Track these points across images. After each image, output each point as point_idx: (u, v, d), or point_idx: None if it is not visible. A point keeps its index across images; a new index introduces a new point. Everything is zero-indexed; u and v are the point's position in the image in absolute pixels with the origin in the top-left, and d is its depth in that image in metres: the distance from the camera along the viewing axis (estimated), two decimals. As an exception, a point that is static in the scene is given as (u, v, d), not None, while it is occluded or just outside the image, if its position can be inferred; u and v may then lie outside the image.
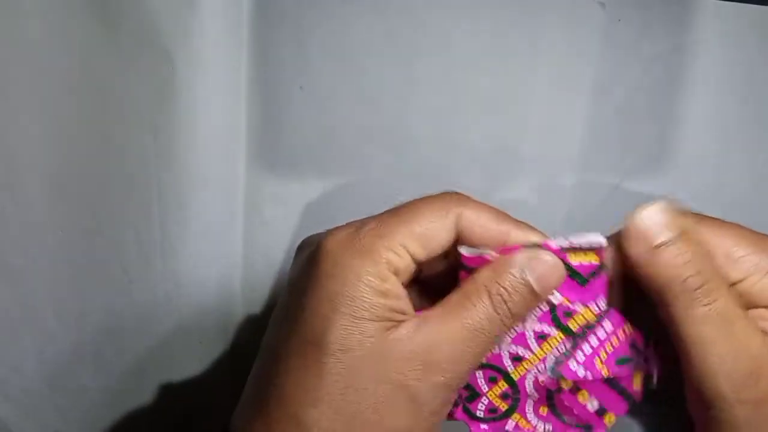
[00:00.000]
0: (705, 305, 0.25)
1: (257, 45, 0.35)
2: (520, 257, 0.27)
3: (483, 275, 0.27)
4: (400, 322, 0.26)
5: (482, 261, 0.27)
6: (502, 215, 0.28)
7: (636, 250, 0.26)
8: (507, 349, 0.28)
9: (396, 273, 0.27)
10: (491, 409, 0.29)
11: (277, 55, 0.36)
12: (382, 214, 0.28)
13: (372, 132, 0.38)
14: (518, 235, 0.28)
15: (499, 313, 0.26)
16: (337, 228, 0.28)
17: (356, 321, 0.26)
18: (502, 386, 0.29)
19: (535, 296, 0.27)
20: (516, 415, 0.29)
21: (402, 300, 0.27)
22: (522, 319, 0.28)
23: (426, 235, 0.27)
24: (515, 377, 0.29)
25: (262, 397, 0.27)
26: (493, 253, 0.27)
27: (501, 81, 0.38)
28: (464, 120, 0.38)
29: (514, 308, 0.27)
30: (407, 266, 0.27)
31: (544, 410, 0.29)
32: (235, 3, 0.35)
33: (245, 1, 0.35)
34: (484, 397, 0.29)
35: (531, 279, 0.26)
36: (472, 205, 0.28)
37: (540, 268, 0.27)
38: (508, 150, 0.39)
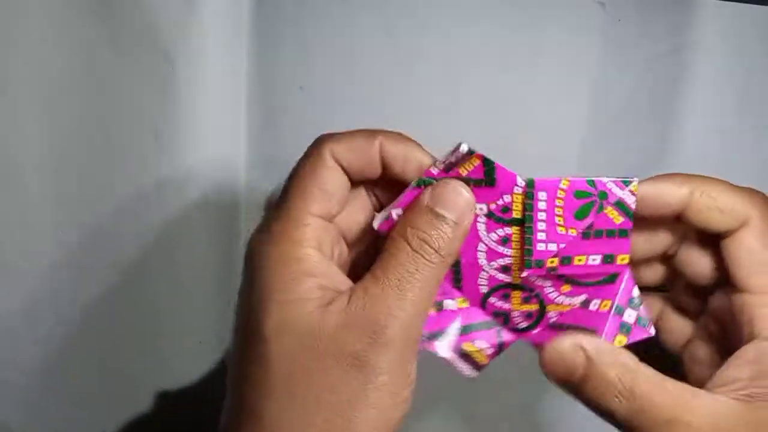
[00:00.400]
0: (647, 416, 0.25)
1: (257, 45, 0.35)
2: (421, 196, 0.27)
3: (396, 227, 0.27)
4: (333, 296, 0.26)
5: (392, 222, 0.27)
6: (370, 133, 0.29)
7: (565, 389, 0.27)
8: (490, 268, 0.29)
9: (320, 244, 0.26)
10: (528, 316, 0.30)
11: (277, 55, 0.36)
12: (281, 196, 0.28)
13: (372, 132, 0.38)
14: (394, 149, 0.28)
15: (424, 255, 0.26)
16: (257, 226, 0.28)
17: (288, 303, 0.25)
18: (516, 294, 0.29)
19: (452, 224, 0.26)
20: (550, 306, 0.30)
21: (332, 277, 0.26)
22: (455, 252, 0.27)
23: (323, 190, 0.27)
24: (518, 281, 0.29)
25: (230, 401, 0.27)
26: (399, 210, 0.27)
27: (501, 81, 0.38)
28: (464, 120, 0.38)
29: (436, 243, 0.26)
30: (325, 229, 0.27)
31: (566, 288, 0.30)
32: (235, 3, 0.35)
33: (245, 1, 0.35)
34: (512, 313, 0.30)
35: (439, 209, 0.26)
36: (338, 137, 0.28)
37: (441, 194, 0.27)
38: (508, 150, 0.39)
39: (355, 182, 0.28)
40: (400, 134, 0.29)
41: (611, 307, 0.29)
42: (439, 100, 0.37)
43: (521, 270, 0.28)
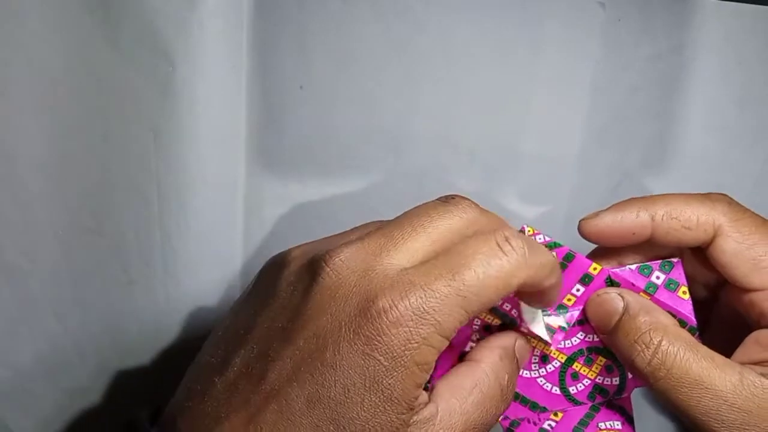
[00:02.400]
0: (662, 379, 0.25)
1: (257, 45, 0.35)
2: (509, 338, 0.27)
3: (485, 355, 0.27)
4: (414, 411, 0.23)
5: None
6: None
7: (604, 337, 0.28)
8: (537, 372, 0.29)
9: (427, 371, 0.23)
10: (609, 370, 0.30)
11: (277, 55, 0.36)
12: (428, 264, 0.24)
13: (372, 132, 0.38)
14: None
15: (503, 380, 0.26)
16: (349, 262, 0.24)
17: (386, 405, 0.22)
18: (581, 367, 0.30)
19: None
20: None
21: (417, 404, 0.24)
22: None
23: (480, 297, 0.23)
24: (563, 357, 0.29)
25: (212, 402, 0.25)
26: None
27: (501, 81, 0.38)
28: (464, 120, 0.38)
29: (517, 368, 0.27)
30: (441, 347, 0.23)
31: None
32: (235, 3, 0.35)
33: (245, 1, 0.35)
34: (597, 380, 0.30)
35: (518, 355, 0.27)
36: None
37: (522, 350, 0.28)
38: (508, 150, 0.39)
39: None
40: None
41: (647, 293, 0.28)
42: (438, 100, 0.37)
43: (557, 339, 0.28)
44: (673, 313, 0.28)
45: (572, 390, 0.29)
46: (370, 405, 0.22)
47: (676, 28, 0.38)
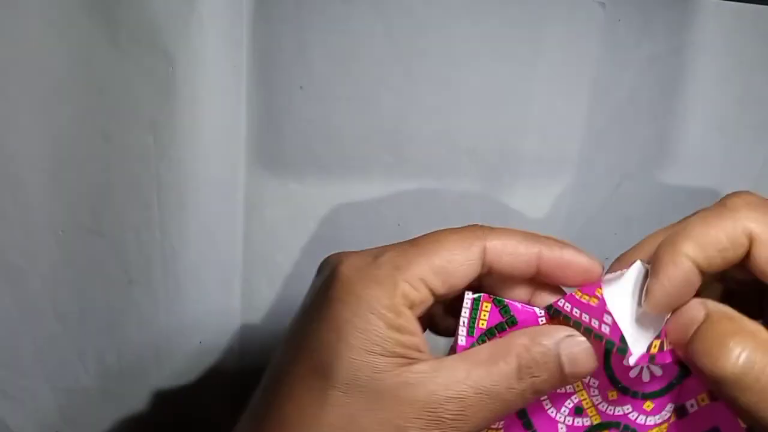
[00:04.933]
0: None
1: (257, 45, 0.35)
2: (559, 333, 0.25)
3: (517, 340, 0.25)
4: (414, 360, 0.25)
5: (527, 313, 0.26)
6: (529, 236, 0.27)
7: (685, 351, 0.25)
8: (563, 416, 0.27)
9: (411, 307, 0.25)
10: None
11: (277, 55, 0.36)
12: (402, 243, 0.27)
13: (372, 132, 0.38)
14: (549, 254, 0.26)
15: (521, 386, 0.25)
16: (354, 253, 0.27)
17: (366, 354, 0.24)
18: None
19: (562, 377, 0.25)
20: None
21: (416, 336, 0.25)
22: (541, 396, 0.26)
23: (447, 269, 0.26)
24: (599, 418, 0.27)
25: (264, 420, 0.27)
26: (540, 311, 0.26)
27: (501, 81, 0.38)
28: (464, 120, 0.38)
29: (538, 384, 0.25)
30: (424, 300, 0.26)
31: (649, 405, 0.27)
32: (235, 3, 0.35)
33: (245, 1, 0.35)
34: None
35: (564, 358, 0.25)
36: (496, 233, 0.27)
37: (575, 349, 0.25)
38: (507, 150, 0.39)
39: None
40: (559, 242, 0.27)
41: (710, 398, 0.26)
42: (438, 100, 0.37)
43: (599, 399, 0.27)
44: (718, 429, 0.26)
45: None
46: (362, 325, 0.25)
47: (676, 28, 0.38)
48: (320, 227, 0.39)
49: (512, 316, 0.27)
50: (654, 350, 0.25)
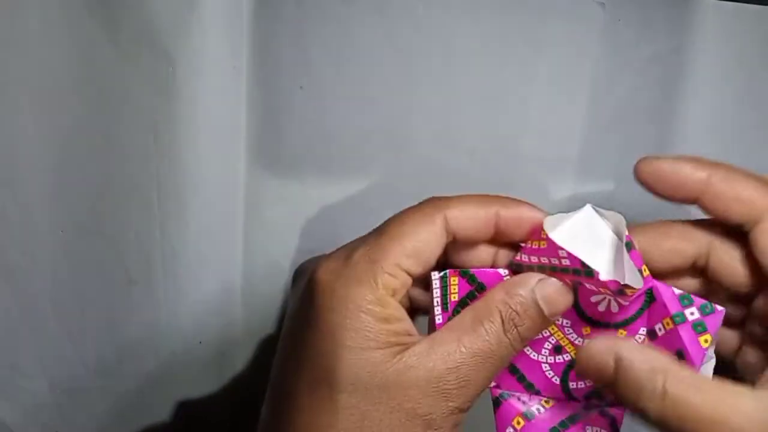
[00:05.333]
0: (684, 417, 0.24)
1: (257, 45, 0.35)
2: (531, 280, 0.27)
3: (496, 297, 0.27)
4: (407, 345, 0.26)
5: (493, 275, 0.28)
6: (485, 199, 0.28)
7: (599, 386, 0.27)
8: (545, 357, 0.29)
9: (394, 294, 0.26)
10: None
11: (277, 55, 0.36)
12: (369, 235, 0.28)
13: (372, 132, 0.38)
14: (506, 213, 0.28)
15: (509, 337, 0.26)
16: (327, 256, 0.28)
17: (363, 352, 0.25)
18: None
19: (543, 320, 0.27)
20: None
21: (404, 321, 0.27)
22: (527, 342, 0.28)
23: (418, 249, 0.27)
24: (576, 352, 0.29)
25: None
26: (505, 271, 0.28)
27: (501, 81, 0.38)
28: (464, 120, 0.38)
29: (523, 332, 0.27)
30: (404, 284, 0.27)
31: (622, 332, 0.29)
32: (235, 3, 0.35)
33: (245, 1, 0.35)
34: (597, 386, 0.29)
35: (541, 301, 0.26)
36: (453, 203, 0.27)
37: (549, 290, 0.27)
38: (508, 150, 0.39)
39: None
40: (515, 200, 0.28)
41: (673, 322, 0.27)
42: (438, 100, 0.37)
43: (574, 336, 0.28)
44: (682, 352, 0.27)
45: (572, 385, 0.29)
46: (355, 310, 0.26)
47: (676, 28, 0.38)
48: (320, 227, 0.39)
49: (480, 282, 0.28)
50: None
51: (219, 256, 0.39)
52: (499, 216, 0.28)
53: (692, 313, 0.27)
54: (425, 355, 0.26)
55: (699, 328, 0.27)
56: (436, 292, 0.28)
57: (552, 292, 0.27)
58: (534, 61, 0.37)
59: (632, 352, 0.25)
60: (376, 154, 0.38)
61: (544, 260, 0.27)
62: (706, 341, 0.27)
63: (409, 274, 0.27)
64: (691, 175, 0.27)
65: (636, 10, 0.37)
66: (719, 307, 0.27)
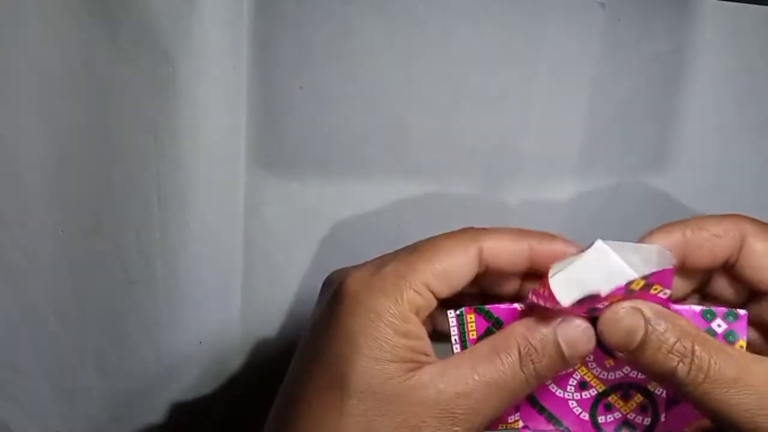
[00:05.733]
0: (701, 384, 0.25)
1: (257, 45, 0.35)
2: (553, 327, 0.27)
3: (516, 330, 0.27)
4: (422, 363, 0.26)
5: (509, 311, 0.28)
6: (521, 233, 0.28)
7: (623, 355, 0.27)
8: (571, 394, 0.29)
9: (417, 312, 0.27)
10: (643, 409, 0.29)
11: (277, 55, 0.36)
12: (402, 251, 0.28)
13: (372, 132, 0.38)
14: (540, 248, 0.28)
15: (524, 372, 0.26)
16: (357, 267, 0.28)
17: (378, 362, 0.26)
18: (615, 398, 0.29)
19: (563, 360, 0.27)
20: (651, 386, 0.29)
21: (423, 341, 0.27)
22: (545, 380, 0.28)
23: (447, 272, 0.27)
24: (602, 386, 0.29)
25: None
26: (521, 306, 0.28)
27: (501, 81, 0.38)
28: (464, 120, 0.38)
29: (540, 369, 0.26)
30: (428, 304, 0.27)
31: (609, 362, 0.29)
32: (235, 3, 0.35)
33: (245, 1, 0.35)
34: (629, 417, 0.29)
35: (562, 343, 0.26)
36: (490, 234, 0.28)
37: (571, 333, 0.27)
38: (507, 150, 0.39)
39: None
40: (549, 235, 0.29)
41: None
42: (438, 100, 0.37)
43: (598, 370, 0.28)
44: None
45: (601, 419, 0.29)
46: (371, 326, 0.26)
47: (676, 28, 0.38)
48: (320, 227, 0.39)
49: (496, 318, 0.28)
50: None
51: (219, 256, 0.39)
52: (533, 250, 0.28)
53: (719, 326, 0.28)
54: (438, 375, 0.26)
55: (730, 337, 0.28)
56: (454, 330, 0.28)
57: (575, 335, 0.27)
58: (534, 61, 0.37)
59: (660, 316, 0.26)
60: (376, 154, 0.38)
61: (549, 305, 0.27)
62: (741, 347, 0.27)
63: (435, 295, 0.27)
64: (670, 241, 0.28)
65: (636, 10, 0.37)
66: (741, 312, 0.28)
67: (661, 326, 0.26)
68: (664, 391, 0.29)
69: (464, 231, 0.28)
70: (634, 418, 0.29)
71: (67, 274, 0.38)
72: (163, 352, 0.40)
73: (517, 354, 0.26)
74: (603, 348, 0.28)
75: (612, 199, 0.40)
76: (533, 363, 0.26)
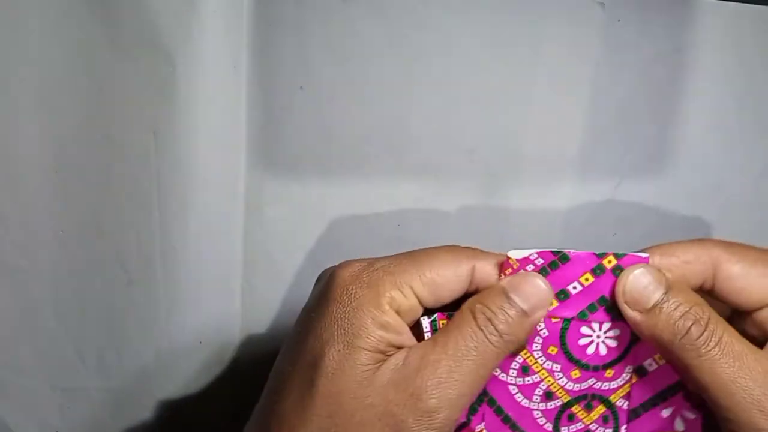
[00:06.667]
0: (713, 348, 0.26)
1: (257, 45, 0.35)
2: (503, 280, 0.28)
3: (469, 301, 0.27)
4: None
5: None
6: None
7: (633, 315, 0.27)
8: (537, 404, 0.29)
9: (398, 310, 0.27)
10: (605, 419, 0.30)
11: (277, 55, 0.36)
12: (399, 254, 0.29)
13: (372, 132, 0.38)
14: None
15: (486, 334, 0.26)
16: (352, 261, 0.29)
17: (352, 348, 0.26)
18: (577, 409, 0.30)
19: (521, 312, 0.27)
20: (613, 397, 0.30)
21: (402, 336, 0.27)
22: (518, 342, 0.27)
23: (435, 282, 0.28)
24: (568, 397, 0.29)
25: (266, 418, 0.28)
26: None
27: (501, 81, 0.38)
28: (464, 120, 0.38)
29: (501, 326, 0.27)
30: (412, 307, 0.28)
31: (609, 372, 0.29)
32: (235, 3, 0.35)
33: (245, 1, 0.35)
34: (591, 427, 0.30)
35: (512, 294, 0.27)
36: (486, 256, 0.28)
37: (515, 280, 0.27)
38: (507, 150, 0.39)
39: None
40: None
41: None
42: (438, 100, 0.37)
43: (564, 380, 0.29)
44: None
45: (563, 430, 0.30)
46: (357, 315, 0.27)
47: (677, 28, 0.38)
48: (320, 227, 0.39)
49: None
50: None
51: (219, 256, 0.39)
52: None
53: (609, 261, 0.28)
54: (402, 359, 0.26)
55: (617, 272, 0.28)
56: (428, 336, 0.28)
57: (517, 281, 0.27)
58: (534, 61, 0.37)
59: (680, 282, 0.27)
60: (376, 154, 0.38)
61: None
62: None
63: (420, 300, 0.28)
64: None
65: (636, 10, 0.37)
66: (643, 255, 0.28)
67: (682, 292, 0.27)
68: (626, 402, 0.29)
69: (465, 248, 0.29)
70: (596, 429, 0.30)
71: (67, 274, 0.38)
72: (162, 351, 0.40)
73: (471, 316, 0.27)
74: (570, 358, 0.28)
75: (612, 198, 0.40)
76: (490, 320, 0.26)
